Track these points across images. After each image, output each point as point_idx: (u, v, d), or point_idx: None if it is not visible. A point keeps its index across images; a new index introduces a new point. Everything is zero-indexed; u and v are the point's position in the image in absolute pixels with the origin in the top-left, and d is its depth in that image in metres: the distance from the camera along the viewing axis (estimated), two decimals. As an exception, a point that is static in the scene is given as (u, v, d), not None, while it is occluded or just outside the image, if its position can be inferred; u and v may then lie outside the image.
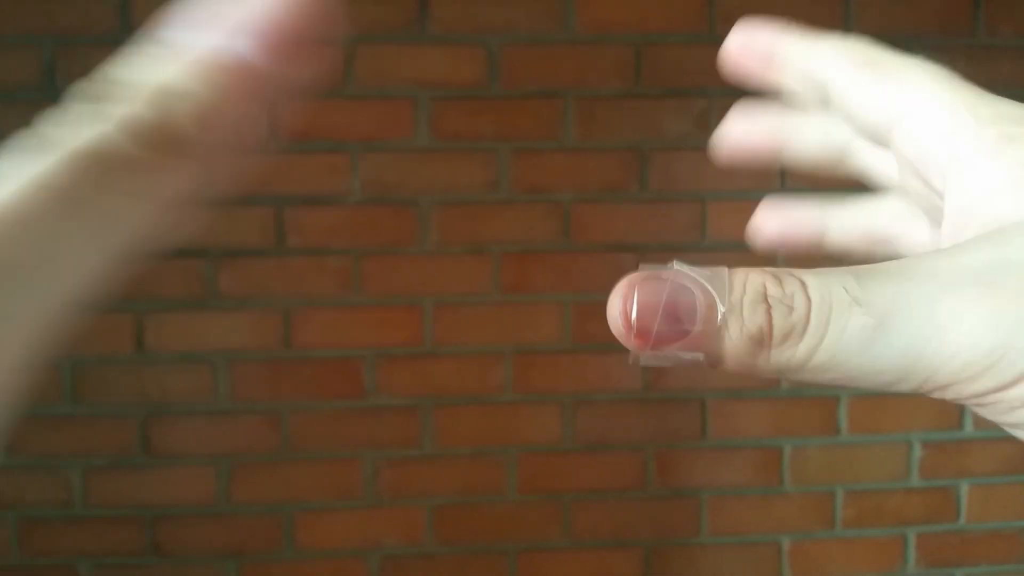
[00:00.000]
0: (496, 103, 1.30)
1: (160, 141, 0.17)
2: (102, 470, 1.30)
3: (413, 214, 1.30)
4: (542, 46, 1.30)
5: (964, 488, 1.41)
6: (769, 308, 0.18)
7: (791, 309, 0.18)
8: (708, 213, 1.32)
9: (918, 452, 1.39)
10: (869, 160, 0.26)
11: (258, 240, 1.29)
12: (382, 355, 1.31)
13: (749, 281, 0.19)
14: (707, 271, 0.19)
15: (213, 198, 0.18)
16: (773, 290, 0.19)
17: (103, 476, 1.30)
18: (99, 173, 0.16)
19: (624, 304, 0.19)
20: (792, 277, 0.19)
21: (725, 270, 0.19)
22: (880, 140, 0.24)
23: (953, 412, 1.39)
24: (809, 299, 0.18)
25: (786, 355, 0.18)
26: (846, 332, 0.18)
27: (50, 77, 1.25)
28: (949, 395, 0.19)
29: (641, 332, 0.19)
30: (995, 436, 1.40)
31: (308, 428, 1.32)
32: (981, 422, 1.39)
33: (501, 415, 1.33)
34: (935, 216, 0.23)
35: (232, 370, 1.30)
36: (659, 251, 1.30)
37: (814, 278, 0.19)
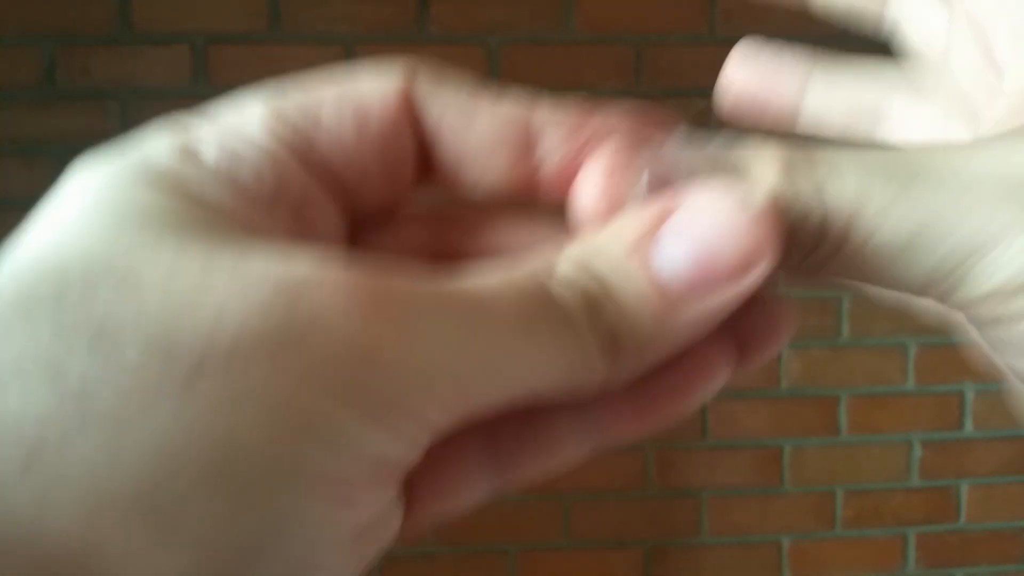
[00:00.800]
0: (496, 103, 1.30)
1: (608, 342, 0.14)
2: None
3: (413, 214, 1.30)
4: (542, 46, 1.30)
5: (964, 488, 1.41)
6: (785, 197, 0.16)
7: (817, 202, 0.15)
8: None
9: (918, 452, 1.39)
10: (910, 23, 0.22)
11: (258, 240, 1.29)
12: (382, 355, 1.31)
13: (767, 163, 0.15)
14: (710, 151, 0.16)
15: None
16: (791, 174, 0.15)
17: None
18: (551, 321, 0.14)
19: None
20: (821, 166, 0.15)
21: (738, 146, 0.16)
22: None
23: (953, 412, 1.39)
24: (832, 194, 0.15)
25: (799, 257, 0.16)
26: (873, 239, 0.15)
27: (50, 77, 1.25)
28: (971, 314, 0.16)
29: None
30: (995, 436, 1.40)
31: (308, 428, 1.31)
32: (981, 422, 1.39)
33: (501, 415, 1.33)
34: (962, 104, 0.20)
35: (232, 370, 1.30)
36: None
37: (850, 165, 0.15)
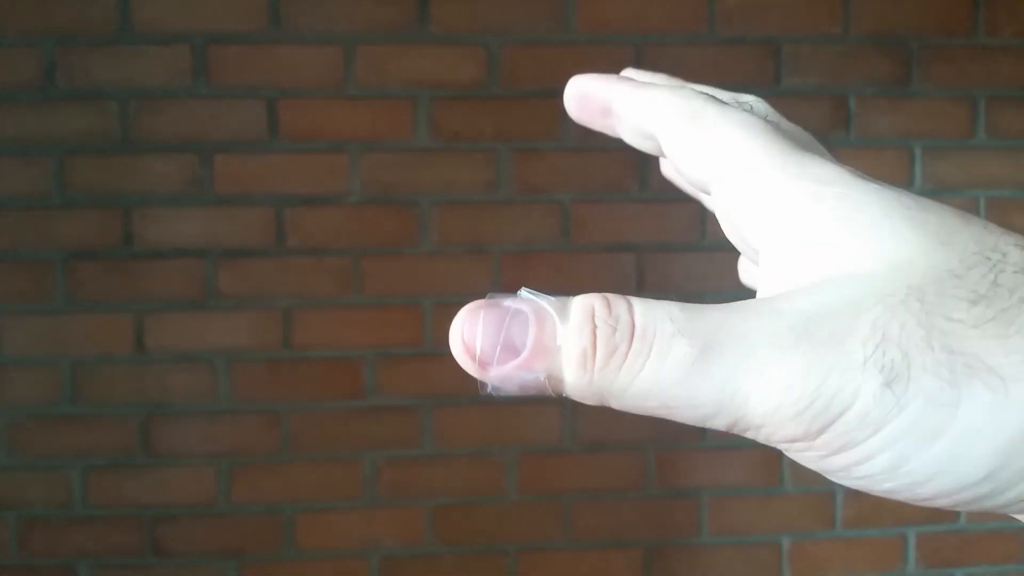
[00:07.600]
0: (496, 103, 1.30)
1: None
2: (102, 470, 1.30)
3: (413, 214, 1.30)
4: (542, 46, 1.30)
5: (964, 488, 1.41)
6: (595, 328, 0.19)
7: (614, 330, 0.19)
8: (708, 213, 1.32)
9: (918, 452, 1.39)
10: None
11: (258, 240, 1.29)
12: (382, 355, 1.31)
13: (582, 304, 0.20)
14: (555, 299, 0.20)
15: None
16: (601, 312, 0.19)
17: (103, 476, 1.30)
18: None
19: (464, 331, 0.20)
20: (622, 301, 0.19)
21: (572, 298, 0.20)
22: (704, 192, 0.24)
23: (953, 412, 1.39)
24: (634, 323, 0.19)
25: (609, 377, 0.19)
26: (668, 359, 0.18)
27: (50, 77, 1.25)
28: (761, 437, 0.19)
29: (483, 358, 0.19)
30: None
31: (308, 428, 1.31)
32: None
33: (501, 415, 1.33)
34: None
35: (232, 370, 1.30)
36: (659, 251, 1.30)
37: (641, 305, 0.19)
